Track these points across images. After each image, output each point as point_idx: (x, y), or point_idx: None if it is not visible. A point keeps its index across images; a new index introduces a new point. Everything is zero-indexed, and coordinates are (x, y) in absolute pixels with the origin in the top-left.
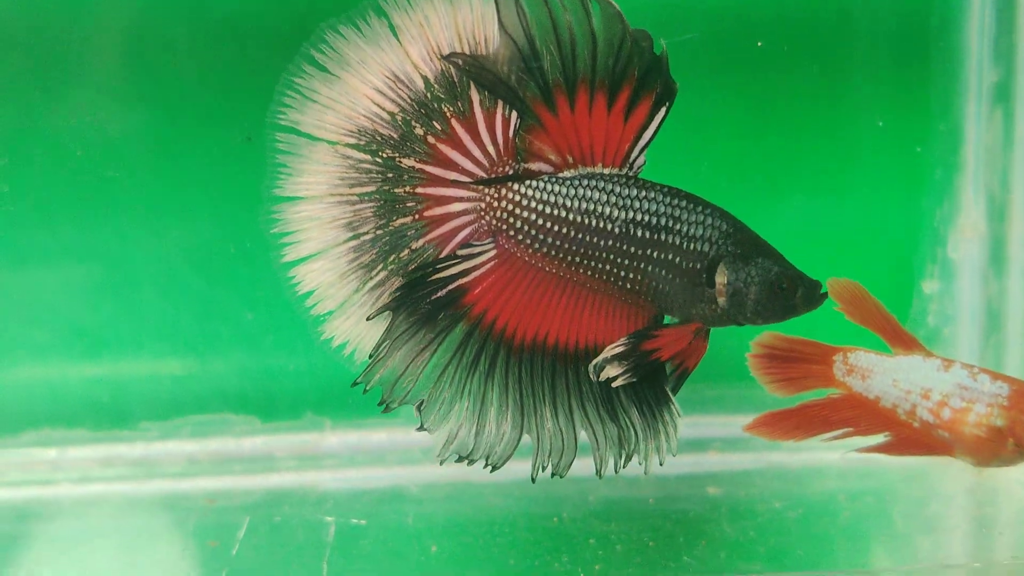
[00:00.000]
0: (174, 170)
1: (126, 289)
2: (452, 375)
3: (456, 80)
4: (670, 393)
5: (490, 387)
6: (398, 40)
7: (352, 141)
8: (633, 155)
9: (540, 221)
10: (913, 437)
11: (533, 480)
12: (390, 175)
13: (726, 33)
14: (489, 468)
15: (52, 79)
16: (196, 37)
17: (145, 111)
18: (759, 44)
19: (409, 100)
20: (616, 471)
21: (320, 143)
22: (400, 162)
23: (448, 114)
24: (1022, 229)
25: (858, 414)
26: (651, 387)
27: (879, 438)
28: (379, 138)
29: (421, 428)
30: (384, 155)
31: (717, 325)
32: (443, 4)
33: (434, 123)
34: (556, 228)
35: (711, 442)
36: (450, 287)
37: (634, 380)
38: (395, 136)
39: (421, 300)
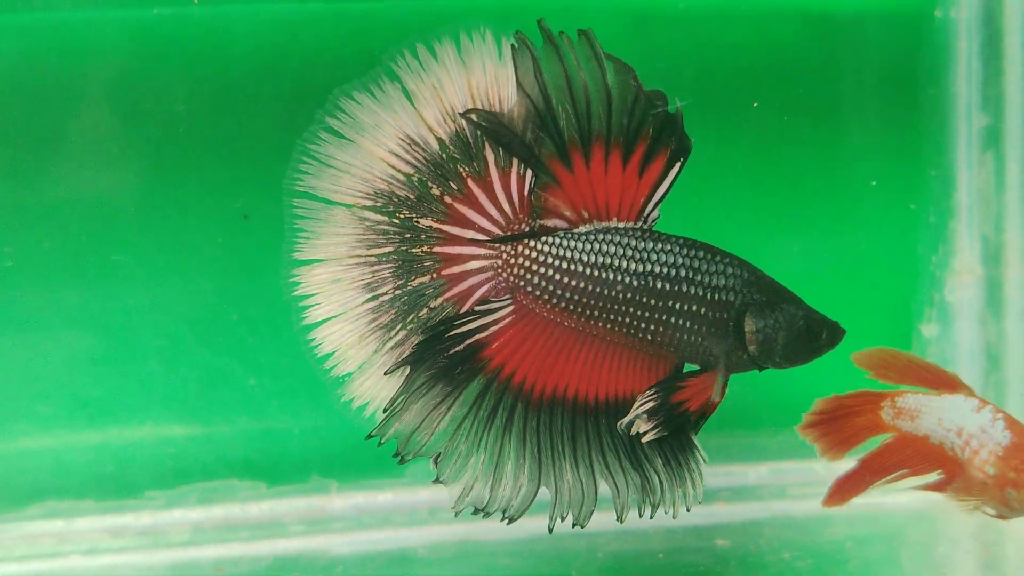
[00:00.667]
0: (175, 239)
1: (129, 359)
2: (469, 428)
3: (471, 141)
4: (695, 440)
5: (507, 440)
6: (412, 104)
7: (369, 203)
8: (648, 209)
9: (557, 276)
10: (961, 472)
11: (550, 531)
12: (408, 235)
13: (722, 86)
14: (506, 521)
15: (52, 147)
16: (196, 105)
17: (145, 180)
18: (755, 104)
19: (425, 162)
20: (640, 516)
21: (338, 207)
22: (417, 222)
23: (464, 174)
24: (1018, 271)
25: (911, 455)
26: (675, 435)
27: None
28: (396, 199)
29: (437, 481)
30: (401, 216)
31: (742, 371)
32: (456, 67)
33: (450, 183)
34: (573, 283)
35: (718, 492)
36: (468, 342)
37: (665, 434)
38: (412, 197)
39: (439, 355)
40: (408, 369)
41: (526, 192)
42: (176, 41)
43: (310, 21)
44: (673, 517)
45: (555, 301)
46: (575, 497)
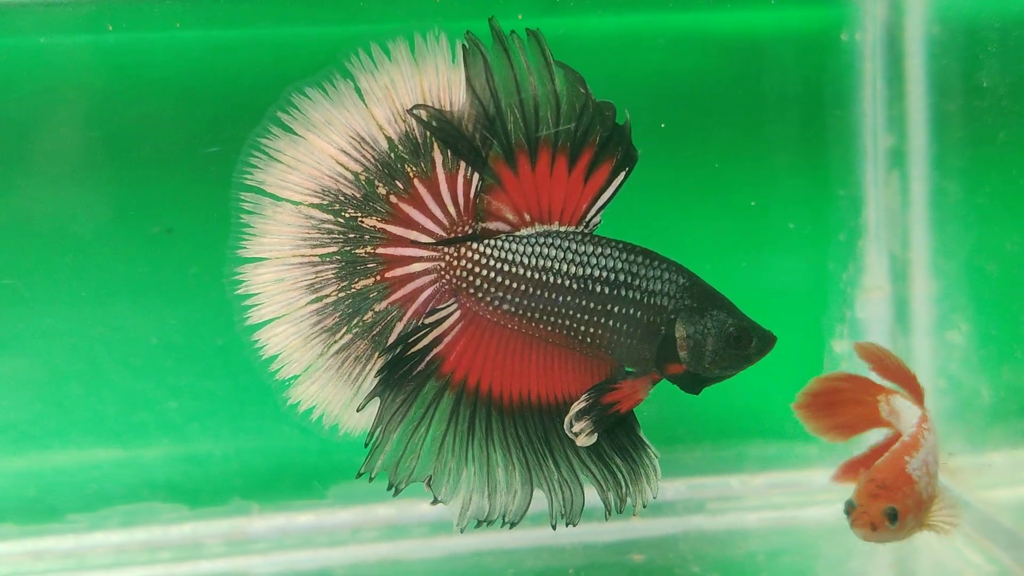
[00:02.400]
0: (93, 262)
1: (49, 382)
2: (452, 444)
3: (420, 141)
4: (644, 438)
5: (492, 449)
6: (364, 102)
7: (316, 201)
8: (590, 215)
9: (499, 279)
10: None
11: (554, 527)
12: (352, 235)
13: (633, 108)
14: (508, 526)
15: None
16: (113, 130)
17: (62, 204)
18: (662, 126)
19: (373, 160)
20: (621, 512)
21: (284, 203)
22: (362, 222)
23: (411, 174)
24: (924, 287)
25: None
26: (626, 434)
27: None
28: (342, 198)
29: (436, 502)
30: (347, 215)
31: (680, 384)
32: (409, 67)
33: (396, 183)
34: (515, 285)
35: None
36: (427, 358)
37: (596, 434)
38: (358, 196)
39: (404, 378)
40: (378, 401)
41: (472, 195)
42: (93, 68)
43: (226, 48)
44: (634, 514)
45: (497, 303)
46: (567, 495)
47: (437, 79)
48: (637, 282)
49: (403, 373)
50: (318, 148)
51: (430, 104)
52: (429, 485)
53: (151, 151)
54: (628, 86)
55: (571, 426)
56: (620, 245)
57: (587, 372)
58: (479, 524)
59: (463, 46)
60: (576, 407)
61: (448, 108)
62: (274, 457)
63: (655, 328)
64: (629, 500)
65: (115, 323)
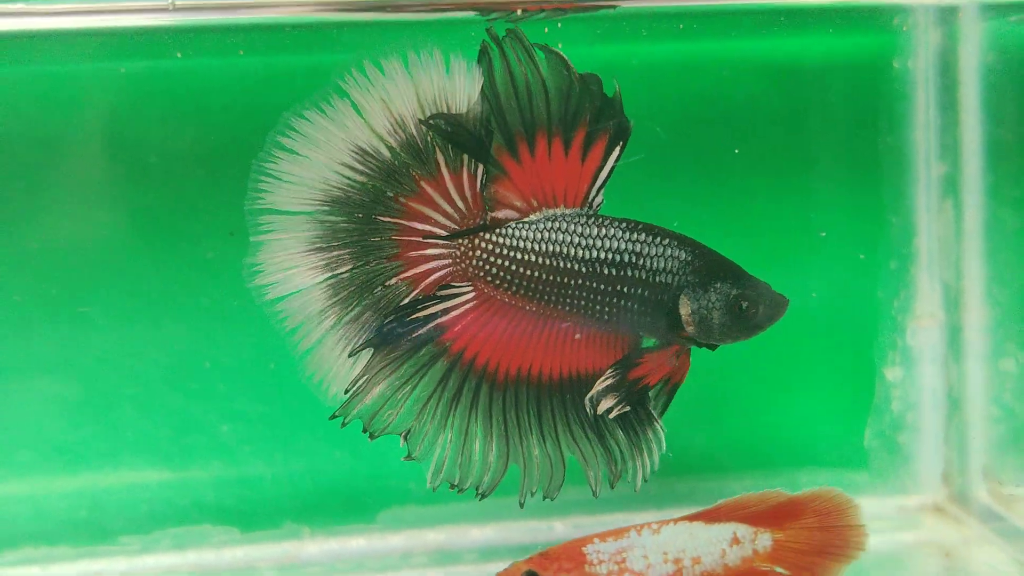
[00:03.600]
0: (148, 286)
1: (104, 406)
2: (434, 408)
3: (422, 146)
4: (653, 412)
5: (473, 419)
6: (361, 117)
7: (327, 209)
8: (592, 194)
9: (513, 266)
10: None
11: (521, 505)
12: (367, 228)
13: (686, 135)
14: (479, 497)
15: (28, 197)
16: (170, 155)
17: (118, 229)
18: (736, 151)
19: (378, 169)
20: (611, 487)
21: (299, 216)
22: (376, 218)
23: (416, 177)
24: (977, 315)
25: None
26: (634, 409)
27: None
28: (353, 204)
29: (409, 457)
30: (360, 215)
31: (695, 345)
32: (403, 79)
33: (404, 186)
34: (528, 272)
35: None
36: (429, 325)
37: (627, 409)
38: (367, 200)
39: (402, 337)
40: (371, 351)
41: (478, 188)
42: (152, 94)
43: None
44: (635, 490)
45: (513, 288)
46: (544, 471)
47: (432, 87)
48: (642, 262)
49: (401, 332)
50: (322, 164)
51: (428, 111)
52: (406, 439)
53: (207, 178)
54: (680, 113)
55: (594, 403)
56: (624, 224)
57: (607, 346)
58: (452, 488)
59: (480, 50)
60: (601, 384)
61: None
62: (325, 481)
63: (663, 305)
64: (630, 471)
65: (168, 347)
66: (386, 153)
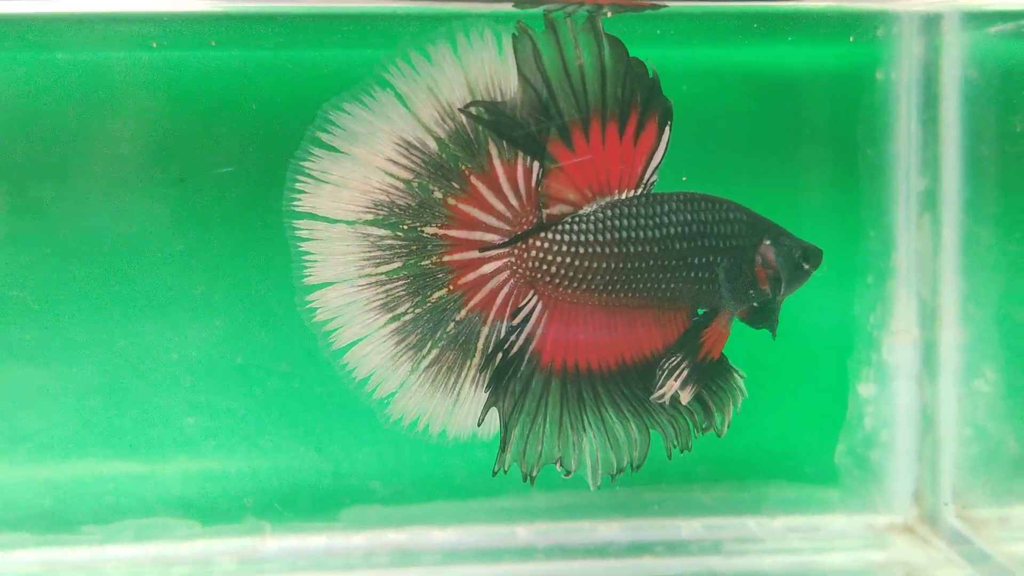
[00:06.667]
0: (117, 276)
1: (71, 395)
2: (569, 422)
3: (472, 136)
4: (731, 363)
5: (604, 411)
6: (406, 107)
7: (370, 217)
8: (647, 176)
9: (576, 262)
10: None
11: (669, 456)
12: (414, 247)
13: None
14: (636, 470)
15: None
16: (140, 148)
17: (88, 219)
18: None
19: (424, 164)
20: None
21: (339, 224)
22: (422, 231)
23: (466, 172)
24: (952, 333)
25: None
26: (714, 366)
27: None
28: (397, 209)
29: (568, 475)
30: (405, 227)
31: (749, 306)
32: (451, 65)
33: (452, 183)
34: (594, 264)
35: (651, 546)
36: (526, 358)
37: (702, 385)
38: (413, 204)
39: (510, 382)
40: (494, 409)
41: (533, 183)
42: (122, 85)
43: (259, 68)
44: (720, 435)
45: (576, 284)
46: (680, 427)
47: (484, 73)
48: (710, 228)
49: (508, 377)
50: (364, 161)
51: (480, 97)
52: (560, 464)
53: (179, 168)
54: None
55: (666, 390)
56: (681, 197)
57: (666, 324)
58: (613, 476)
59: (513, 35)
60: (678, 376)
61: (498, 99)
62: (289, 478)
63: (736, 268)
64: (717, 423)
65: (137, 338)
66: (433, 145)
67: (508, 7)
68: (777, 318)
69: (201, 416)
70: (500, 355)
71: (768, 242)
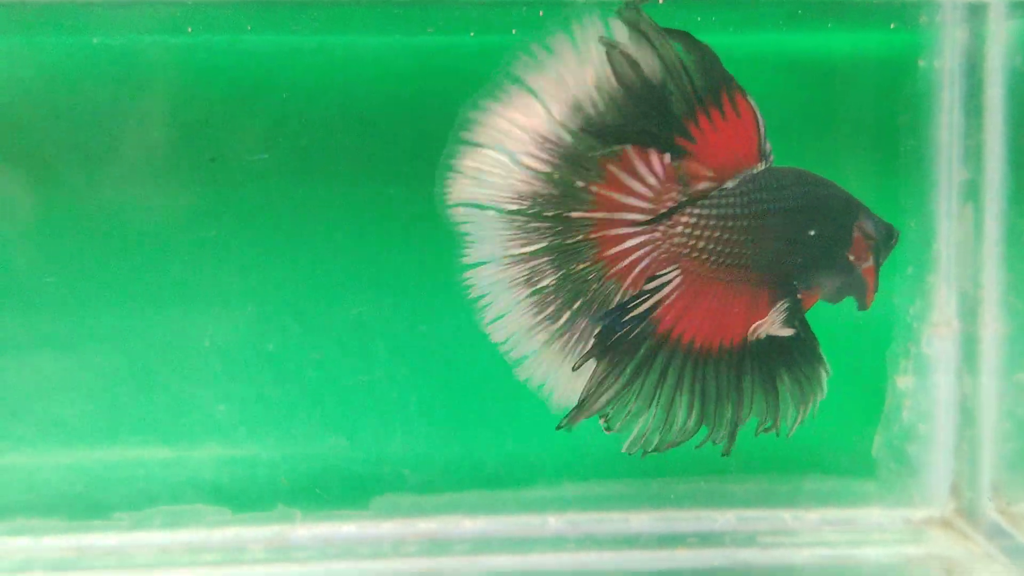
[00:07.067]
0: (146, 264)
1: (101, 382)
2: (654, 394)
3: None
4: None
5: (679, 394)
6: (539, 102)
7: (515, 207)
8: (764, 146)
9: (724, 235)
10: None
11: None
12: (559, 228)
13: None
14: (662, 450)
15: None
16: (173, 134)
17: (118, 206)
18: None
19: (561, 156)
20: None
21: (488, 210)
22: (566, 216)
23: (601, 161)
24: (993, 326)
25: None
26: (805, 357)
27: None
28: (540, 199)
29: (609, 431)
30: (549, 213)
31: (841, 280)
32: (573, 57)
33: (590, 172)
34: (739, 238)
35: (684, 538)
36: (644, 323)
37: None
38: (556, 193)
39: (620, 341)
40: (594, 361)
41: (668, 160)
42: (149, 70)
43: (289, 54)
44: (788, 436)
45: (719, 259)
46: (724, 433)
47: (602, 63)
48: (824, 202)
49: (619, 337)
50: (504, 156)
51: (602, 87)
52: (606, 421)
53: (211, 155)
54: None
55: (766, 321)
56: (793, 171)
57: (773, 303)
58: (643, 453)
59: (606, 55)
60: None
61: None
62: (320, 465)
63: (842, 242)
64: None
65: (168, 325)
66: (567, 137)
67: None
68: (876, 286)
69: (232, 404)
70: (620, 311)
71: (864, 216)
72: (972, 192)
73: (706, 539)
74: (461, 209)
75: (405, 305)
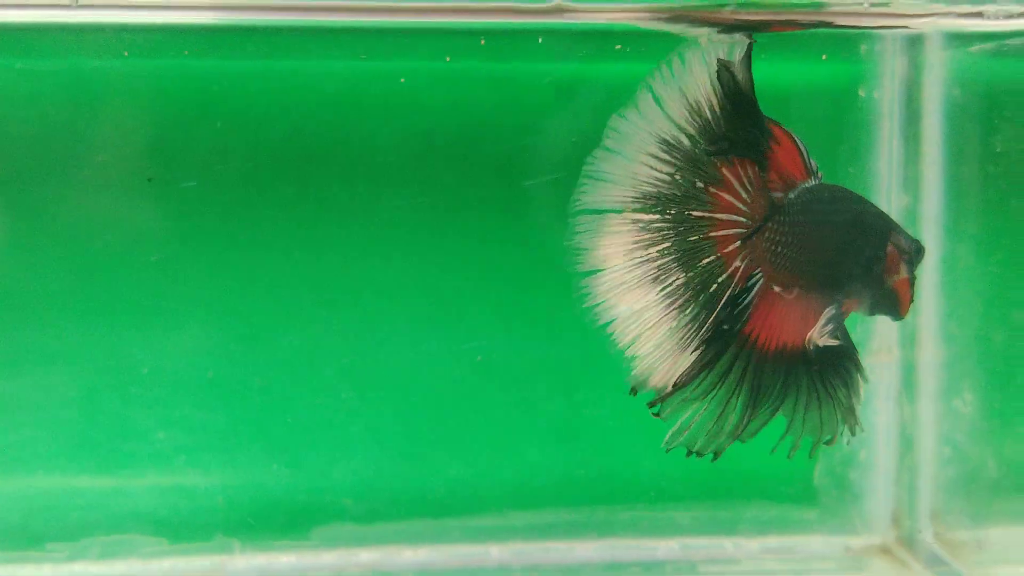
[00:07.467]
0: (86, 289)
1: (44, 406)
2: (717, 392)
3: (718, 132)
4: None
5: (735, 396)
6: (662, 108)
7: (639, 207)
8: (811, 162)
9: (796, 242)
10: None
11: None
12: (682, 227)
13: None
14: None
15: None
16: (119, 155)
17: (67, 226)
18: None
19: (682, 159)
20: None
21: (608, 214)
22: (689, 214)
23: (717, 164)
24: (931, 353)
25: None
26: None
27: None
28: (663, 199)
29: (658, 415)
30: (672, 212)
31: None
32: (698, 66)
33: (709, 173)
34: (800, 244)
35: (627, 567)
36: (741, 321)
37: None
38: (678, 194)
39: (723, 335)
40: (700, 353)
41: (756, 170)
42: (96, 92)
43: (234, 77)
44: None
45: (787, 265)
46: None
47: (715, 79)
48: (863, 219)
49: (722, 331)
50: (631, 159)
51: (718, 99)
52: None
53: (158, 177)
54: None
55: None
56: (837, 187)
57: (820, 311)
58: (688, 453)
59: (718, 72)
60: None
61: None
62: (260, 494)
63: (880, 252)
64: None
65: (109, 349)
66: (687, 142)
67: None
68: (912, 298)
69: (173, 430)
70: (727, 311)
71: (896, 231)
72: (911, 220)
73: (649, 568)
74: (581, 217)
75: (350, 332)
